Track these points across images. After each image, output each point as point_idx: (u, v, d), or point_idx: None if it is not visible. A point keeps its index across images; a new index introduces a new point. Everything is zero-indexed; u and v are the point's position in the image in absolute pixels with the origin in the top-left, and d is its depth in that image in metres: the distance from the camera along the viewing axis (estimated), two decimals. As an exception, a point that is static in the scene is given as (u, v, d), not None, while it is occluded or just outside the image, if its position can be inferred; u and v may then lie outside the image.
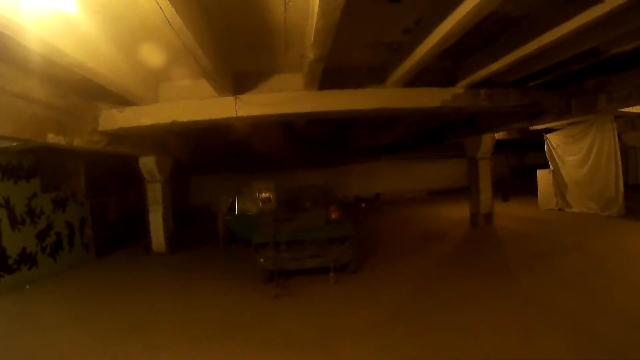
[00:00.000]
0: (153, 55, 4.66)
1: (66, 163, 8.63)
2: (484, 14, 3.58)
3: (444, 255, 7.52)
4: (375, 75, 5.89)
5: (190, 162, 12.64)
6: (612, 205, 9.94)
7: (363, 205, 12.55)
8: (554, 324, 4.01)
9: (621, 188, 9.78)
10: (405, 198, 19.55)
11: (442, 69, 6.10)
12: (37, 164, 7.64)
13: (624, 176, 9.98)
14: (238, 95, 5.81)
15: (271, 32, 4.43)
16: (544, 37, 4.34)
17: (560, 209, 11.68)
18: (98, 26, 3.83)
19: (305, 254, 6.08)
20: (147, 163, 9.15)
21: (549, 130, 11.61)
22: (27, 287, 6.83)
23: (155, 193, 9.46)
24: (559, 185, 11.76)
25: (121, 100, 5.64)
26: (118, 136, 6.78)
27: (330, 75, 5.38)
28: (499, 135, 10.86)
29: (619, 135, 10.03)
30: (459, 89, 6.25)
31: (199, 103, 5.91)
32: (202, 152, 12.28)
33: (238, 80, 5.80)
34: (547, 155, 12.03)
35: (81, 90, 5.47)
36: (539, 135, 11.93)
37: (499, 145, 11.21)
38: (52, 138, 5.41)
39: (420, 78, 5.68)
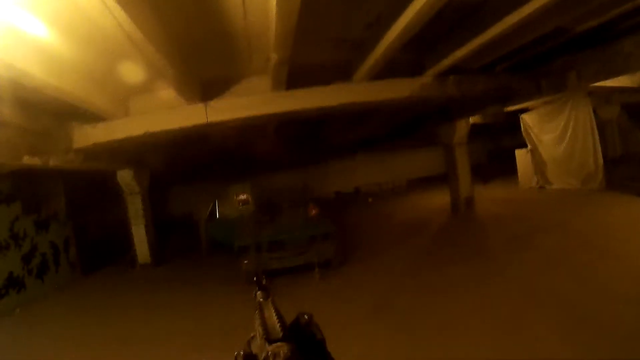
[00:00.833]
0: (119, 70, 4.59)
1: (45, 184, 8.50)
2: (441, 3, 3.60)
3: (426, 244, 7.59)
4: (342, 72, 5.89)
5: (169, 172, 12.56)
6: (593, 179, 10.06)
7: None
8: (542, 305, 4.04)
9: (600, 162, 9.90)
10: (384, 190, 19.63)
11: (410, 61, 6.10)
12: (15, 187, 7.53)
13: (603, 150, 10.06)
14: (208, 102, 5.80)
15: (234, 39, 4.42)
16: (506, 20, 4.32)
17: (541, 187, 11.78)
18: (63, 46, 3.77)
19: (287, 253, 6.14)
20: (125, 177, 9.15)
21: (524, 111, 11.58)
22: (17, 310, 6.75)
23: (136, 206, 9.44)
24: (538, 163, 11.86)
25: (93, 116, 5.60)
26: (93, 152, 6.70)
27: (298, 75, 5.40)
28: (473, 119, 10.85)
29: (594, 110, 10.10)
30: (427, 77, 6.27)
31: (169, 112, 5.88)
32: (180, 162, 12.13)
33: (207, 87, 5.77)
34: (524, 136, 12.08)
35: (53, 111, 5.40)
36: (515, 117, 11.91)
37: (475, 130, 11.21)
38: (27, 160, 5.42)
39: (388, 71, 5.68)
